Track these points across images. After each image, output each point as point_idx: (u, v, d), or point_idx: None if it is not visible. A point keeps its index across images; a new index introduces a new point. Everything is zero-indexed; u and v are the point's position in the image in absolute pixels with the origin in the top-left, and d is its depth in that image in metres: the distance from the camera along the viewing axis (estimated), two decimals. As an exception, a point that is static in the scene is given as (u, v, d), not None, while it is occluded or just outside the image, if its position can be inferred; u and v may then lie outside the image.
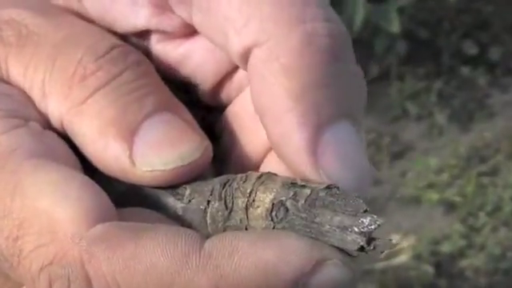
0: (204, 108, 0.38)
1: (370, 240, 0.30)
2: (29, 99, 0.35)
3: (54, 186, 0.32)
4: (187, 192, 0.34)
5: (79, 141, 0.34)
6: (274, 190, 0.32)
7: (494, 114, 2.19)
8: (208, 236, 0.32)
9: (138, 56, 0.35)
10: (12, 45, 0.35)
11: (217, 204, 0.33)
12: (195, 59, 0.36)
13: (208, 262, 0.31)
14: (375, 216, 0.30)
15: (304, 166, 0.31)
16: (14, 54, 0.35)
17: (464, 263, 1.85)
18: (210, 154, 0.34)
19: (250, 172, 0.33)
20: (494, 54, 2.30)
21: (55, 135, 0.35)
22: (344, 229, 0.30)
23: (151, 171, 0.33)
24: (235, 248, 0.31)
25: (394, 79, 2.22)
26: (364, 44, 2.16)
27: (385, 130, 2.13)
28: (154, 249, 0.31)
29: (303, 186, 0.31)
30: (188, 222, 0.34)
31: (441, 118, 2.16)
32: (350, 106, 0.32)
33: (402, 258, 1.83)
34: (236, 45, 0.32)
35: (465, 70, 2.26)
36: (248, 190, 0.32)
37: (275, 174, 0.33)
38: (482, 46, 2.30)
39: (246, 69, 0.33)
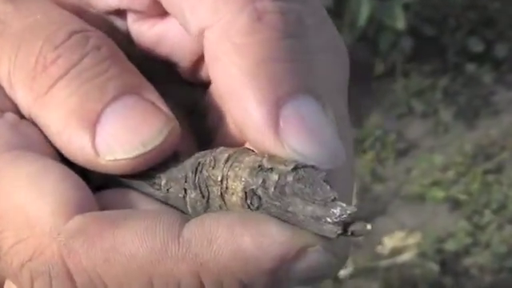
0: (188, 85, 0.37)
1: (346, 226, 0.30)
2: (2, 88, 0.35)
3: (31, 179, 0.32)
4: (163, 182, 0.33)
5: (45, 131, 0.34)
6: (243, 178, 0.31)
7: (499, 111, 2.19)
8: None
9: (98, 40, 0.34)
10: None
11: (193, 194, 0.33)
12: (171, 38, 0.36)
13: (187, 250, 0.30)
14: (344, 205, 0.30)
15: (268, 143, 0.31)
16: None
17: (469, 261, 1.85)
18: (177, 135, 0.33)
19: (217, 151, 0.33)
20: (500, 51, 2.29)
21: (31, 125, 0.34)
22: (318, 219, 0.30)
23: (114, 160, 0.33)
24: (214, 235, 0.30)
25: (399, 76, 2.21)
26: (369, 41, 2.16)
27: (390, 127, 2.13)
28: (132, 239, 0.31)
29: (271, 170, 0.31)
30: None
31: (446, 115, 2.15)
32: (310, 81, 0.32)
33: (407, 256, 1.82)
34: (192, 26, 0.33)
35: (470, 67, 2.26)
36: (219, 178, 0.32)
37: (244, 151, 0.32)
38: (487, 43, 2.30)
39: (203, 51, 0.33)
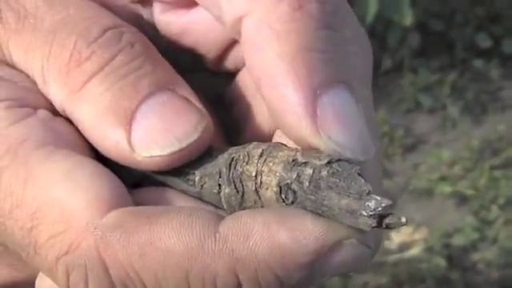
0: (213, 75, 0.38)
1: (381, 219, 0.30)
2: (35, 84, 0.35)
3: (66, 174, 0.32)
4: (197, 178, 0.34)
5: (79, 126, 0.34)
6: (277, 173, 0.32)
7: (507, 106, 2.19)
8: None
9: (131, 36, 0.35)
10: (11, 28, 0.35)
11: (228, 189, 0.33)
12: (198, 28, 0.36)
13: (224, 246, 0.31)
14: (379, 198, 0.30)
15: (304, 129, 0.31)
16: (14, 39, 0.35)
17: (476, 256, 1.85)
18: (211, 131, 0.33)
19: (250, 146, 0.33)
20: (508, 46, 2.29)
21: (65, 121, 0.35)
22: (352, 212, 0.30)
23: (150, 157, 0.33)
24: (250, 231, 0.31)
25: (406, 72, 2.21)
26: (377, 37, 2.15)
27: (398, 122, 2.13)
28: (169, 234, 0.31)
29: (305, 164, 0.31)
30: (205, 203, 0.34)
31: (454, 110, 2.15)
32: (345, 73, 0.32)
33: (414, 251, 1.83)
34: (228, 15, 0.33)
35: (478, 63, 2.25)
36: (253, 174, 0.32)
37: (277, 146, 0.32)
38: (495, 38, 2.29)
39: (240, 39, 0.33)
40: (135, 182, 0.35)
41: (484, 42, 2.28)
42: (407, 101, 2.18)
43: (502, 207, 1.94)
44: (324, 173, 0.31)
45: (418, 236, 1.84)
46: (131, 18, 0.37)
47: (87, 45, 0.34)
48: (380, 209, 0.30)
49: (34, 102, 0.34)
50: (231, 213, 0.33)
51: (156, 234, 0.31)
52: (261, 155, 0.32)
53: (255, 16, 0.32)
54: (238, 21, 0.32)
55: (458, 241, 1.87)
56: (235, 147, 0.34)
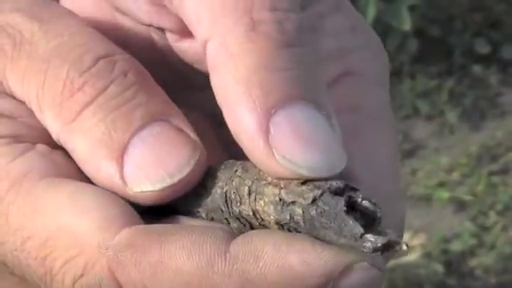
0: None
1: (384, 248, 0.30)
2: (33, 116, 0.35)
3: (72, 199, 0.32)
4: (203, 214, 0.34)
5: (74, 158, 0.34)
6: (271, 216, 0.31)
7: (505, 112, 2.19)
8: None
9: (125, 65, 0.34)
10: (7, 56, 0.35)
11: (235, 224, 0.33)
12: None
13: (234, 266, 0.30)
14: (373, 239, 0.29)
15: (258, 151, 0.31)
16: (10, 66, 0.35)
17: (474, 262, 1.85)
18: (204, 163, 0.33)
19: (236, 181, 0.33)
20: (507, 52, 2.29)
21: (63, 153, 0.34)
22: (354, 248, 0.30)
23: (142, 192, 0.33)
24: (260, 252, 0.30)
25: (405, 77, 2.21)
26: (375, 42, 2.15)
27: (396, 128, 2.13)
28: (179, 253, 0.31)
29: (293, 203, 0.31)
30: None
31: (452, 116, 2.15)
32: (310, 90, 0.31)
33: (412, 257, 1.83)
34: (198, 39, 0.33)
35: (476, 69, 2.25)
36: (251, 213, 0.32)
37: (258, 177, 0.32)
38: (494, 44, 2.29)
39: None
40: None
41: (483, 47, 2.28)
42: (405, 107, 2.18)
43: (500, 213, 1.94)
44: (313, 213, 0.30)
45: (416, 242, 1.84)
46: (141, 40, 0.37)
47: (79, 74, 0.34)
48: (378, 246, 0.29)
49: (32, 136, 0.35)
50: None
51: (167, 253, 0.31)
52: (249, 194, 0.32)
53: (215, 40, 0.32)
54: (204, 45, 0.33)
55: (455, 246, 1.88)
56: (221, 173, 0.33)
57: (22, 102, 0.35)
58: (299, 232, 0.31)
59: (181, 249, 0.31)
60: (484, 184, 1.99)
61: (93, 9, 0.38)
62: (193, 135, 0.33)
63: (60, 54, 0.34)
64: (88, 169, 0.34)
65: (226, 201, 0.33)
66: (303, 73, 0.32)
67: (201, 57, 0.35)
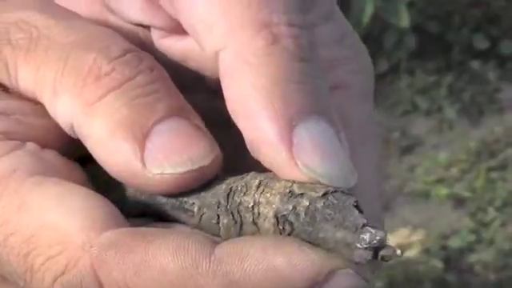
0: (215, 96, 0.37)
1: (376, 251, 0.30)
2: (30, 113, 0.35)
3: (59, 198, 0.32)
4: (196, 208, 0.34)
5: (89, 141, 0.34)
6: (274, 204, 0.32)
7: (504, 108, 2.19)
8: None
9: (151, 61, 0.35)
10: (22, 48, 0.35)
11: (226, 219, 0.33)
12: (199, 52, 0.36)
13: (218, 267, 0.31)
14: (373, 231, 0.30)
15: (281, 160, 0.32)
16: (24, 56, 0.35)
17: (473, 258, 1.85)
18: (220, 162, 0.34)
19: (248, 177, 0.33)
20: (505, 48, 2.29)
21: (55, 153, 0.35)
22: (348, 245, 0.30)
23: (161, 174, 0.33)
24: (246, 254, 0.31)
25: (403, 74, 2.21)
26: (373, 39, 2.16)
27: (394, 124, 2.13)
28: (163, 254, 0.31)
29: (301, 196, 0.31)
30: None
31: (451, 112, 2.15)
32: (322, 104, 0.32)
33: (411, 253, 1.83)
34: (207, 47, 0.33)
35: (475, 65, 2.25)
36: (251, 205, 0.32)
37: (274, 176, 0.33)
38: (492, 40, 2.29)
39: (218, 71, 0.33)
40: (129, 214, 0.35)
41: (481, 43, 2.28)
42: (404, 103, 2.18)
43: (498, 209, 1.94)
44: (319, 204, 0.31)
45: (414, 238, 1.85)
46: (134, 41, 0.37)
47: (108, 61, 0.34)
48: (375, 241, 0.30)
49: (23, 134, 0.35)
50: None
51: (151, 253, 0.31)
52: (258, 186, 0.32)
53: (231, 50, 0.32)
54: (216, 54, 0.33)
55: (454, 243, 1.88)
56: (234, 177, 0.34)
57: (21, 99, 0.35)
58: (292, 228, 0.31)
59: (166, 249, 0.31)
60: (483, 180, 1.99)
61: (84, 7, 0.38)
62: (210, 136, 0.34)
63: (85, 44, 0.34)
64: (103, 150, 0.34)
65: (229, 193, 0.33)
66: (315, 87, 0.33)
67: (186, 53, 0.36)
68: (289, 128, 0.31)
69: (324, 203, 0.31)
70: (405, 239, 1.83)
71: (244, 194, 0.33)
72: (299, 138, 0.31)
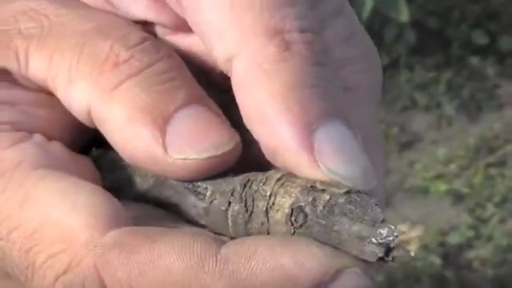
0: (220, 92, 0.37)
1: (388, 250, 0.30)
2: (37, 104, 0.35)
3: (63, 194, 0.32)
4: (208, 192, 0.34)
5: (107, 127, 0.34)
6: (293, 194, 0.32)
7: (503, 104, 2.19)
8: (230, 237, 0.32)
9: (169, 50, 0.35)
10: (34, 36, 0.34)
11: (237, 206, 0.33)
12: (203, 49, 0.36)
13: (225, 266, 0.30)
14: (393, 227, 0.30)
15: (303, 164, 0.31)
16: (37, 44, 0.34)
17: (471, 254, 1.85)
18: (240, 149, 0.34)
19: (270, 172, 0.33)
20: (504, 44, 2.29)
21: (61, 145, 0.35)
22: (362, 239, 0.30)
23: (184, 159, 0.33)
24: (253, 253, 0.30)
25: (402, 69, 2.21)
26: (373, 34, 2.15)
27: (393, 120, 2.13)
28: (169, 254, 0.31)
29: (323, 191, 0.31)
30: (210, 222, 0.33)
31: (449, 108, 2.15)
32: (339, 107, 0.32)
33: (410, 249, 1.83)
34: (218, 53, 0.33)
35: (474, 60, 2.25)
36: (268, 193, 0.32)
37: (294, 174, 0.32)
38: (491, 36, 2.29)
39: (231, 78, 0.33)
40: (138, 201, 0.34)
41: (480, 39, 2.28)
42: (403, 98, 2.18)
43: (497, 205, 1.94)
44: (341, 200, 0.31)
45: (413, 234, 1.85)
46: None
47: (126, 49, 0.34)
48: (391, 238, 0.30)
49: (30, 125, 0.34)
50: (234, 232, 0.33)
51: (156, 253, 0.31)
52: (279, 179, 0.32)
53: (244, 57, 0.32)
54: (228, 60, 0.33)
55: (453, 239, 1.88)
56: (254, 172, 0.34)
57: (27, 89, 0.35)
58: (305, 221, 0.31)
59: (171, 249, 0.31)
60: (481, 176, 1.99)
61: (87, 2, 0.37)
62: (229, 123, 0.34)
63: (102, 31, 0.34)
64: (123, 136, 0.33)
65: (247, 182, 0.33)
66: (332, 91, 0.33)
67: (190, 50, 0.36)
68: (308, 132, 0.31)
69: (346, 199, 0.31)
70: (403, 235, 1.83)
71: (263, 183, 0.32)
72: (319, 141, 0.31)
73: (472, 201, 1.95)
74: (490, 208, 1.93)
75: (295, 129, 0.31)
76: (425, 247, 1.85)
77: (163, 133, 0.33)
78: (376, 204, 0.31)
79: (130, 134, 0.33)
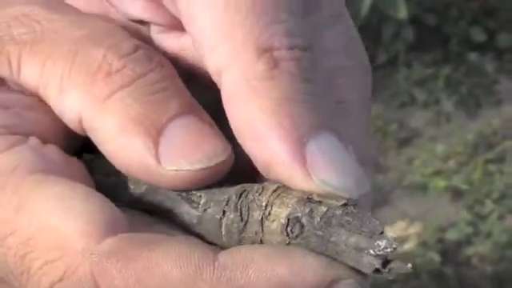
0: (213, 90, 0.37)
1: (386, 263, 0.30)
2: (30, 107, 0.35)
3: (60, 200, 0.32)
4: (202, 201, 0.34)
5: (99, 137, 0.34)
6: (290, 205, 0.32)
7: (501, 100, 2.19)
8: (222, 247, 0.32)
9: (161, 58, 0.35)
10: (27, 42, 0.34)
11: (232, 215, 0.33)
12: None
13: (222, 274, 0.30)
14: (391, 239, 0.30)
15: (296, 177, 0.32)
16: (29, 51, 0.34)
17: (470, 251, 1.85)
18: (232, 159, 0.34)
19: (265, 183, 0.33)
20: (503, 40, 2.29)
21: (56, 148, 0.34)
22: (360, 250, 0.30)
23: (177, 170, 0.33)
24: (249, 261, 0.30)
25: (401, 66, 2.21)
26: (371, 31, 2.15)
27: (392, 116, 2.13)
28: (166, 261, 0.31)
29: (319, 203, 0.31)
30: (203, 231, 0.33)
31: (448, 104, 2.15)
32: (329, 120, 0.33)
33: (408, 246, 1.83)
34: (209, 63, 0.33)
35: (473, 57, 2.25)
36: (264, 204, 0.32)
37: (290, 188, 0.33)
38: (490, 32, 2.29)
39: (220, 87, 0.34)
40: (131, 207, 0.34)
41: (479, 35, 2.28)
42: (401, 95, 2.18)
43: (496, 201, 1.94)
44: (338, 212, 0.31)
45: (411, 230, 1.85)
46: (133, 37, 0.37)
47: (119, 58, 0.34)
48: (389, 250, 0.30)
49: (24, 128, 0.34)
50: (227, 241, 0.33)
51: (154, 260, 0.31)
52: (275, 190, 0.33)
53: (234, 72, 0.33)
54: (218, 73, 0.33)
55: (451, 235, 1.88)
56: (248, 183, 0.34)
57: (20, 93, 0.35)
58: (301, 232, 0.31)
59: (168, 257, 0.31)
60: (480, 172, 1.99)
61: (83, 1, 0.37)
62: (221, 134, 0.34)
63: (94, 39, 0.34)
64: (115, 146, 0.33)
65: (243, 192, 0.33)
66: (322, 104, 0.33)
67: (183, 49, 0.36)
68: (300, 146, 0.32)
69: (343, 211, 0.31)
70: (402, 232, 1.83)
71: (259, 194, 0.33)
72: (311, 154, 0.32)
73: (471, 197, 1.95)
74: (489, 204, 1.93)
75: (287, 143, 0.32)
76: (423, 244, 1.85)
77: (156, 143, 0.33)
78: (374, 217, 0.31)
79: (123, 145, 0.33)
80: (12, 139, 0.33)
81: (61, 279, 0.31)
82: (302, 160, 0.32)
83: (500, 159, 2.05)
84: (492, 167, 2.02)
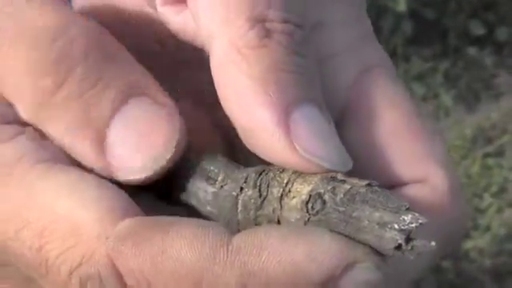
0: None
1: (409, 239, 0.29)
2: None
3: (70, 187, 0.32)
4: (220, 177, 0.33)
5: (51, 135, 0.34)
6: (313, 182, 0.31)
7: (500, 94, 2.19)
8: (237, 223, 0.32)
9: (83, 42, 0.33)
10: None
11: (250, 191, 0.32)
12: (194, 27, 0.36)
13: (236, 257, 0.30)
14: (417, 214, 0.29)
15: (278, 146, 0.32)
16: None
17: (469, 244, 1.85)
18: (184, 136, 0.33)
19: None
20: (501, 34, 2.29)
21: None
22: (383, 225, 0.29)
23: (128, 180, 0.33)
24: (264, 245, 0.30)
25: (400, 60, 2.21)
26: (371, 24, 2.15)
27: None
28: (181, 244, 0.31)
29: (343, 181, 0.31)
30: (218, 207, 0.33)
31: (447, 98, 2.15)
32: (315, 93, 0.33)
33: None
34: (202, 30, 0.33)
35: (471, 51, 2.25)
36: (285, 180, 0.32)
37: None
38: (489, 26, 2.29)
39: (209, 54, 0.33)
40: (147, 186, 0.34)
41: (477, 29, 2.28)
42: (400, 89, 2.17)
43: (494, 195, 1.94)
44: (363, 190, 0.30)
45: (410, 224, 1.85)
46: (141, 15, 0.37)
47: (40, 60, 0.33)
48: (415, 225, 0.29)
49: (19, 119, 0.34)
50: (243, 218, 0.32)
51: (168, 243, 0.31)
52: (295, 171, 0.32)
53: (224, 40, 0.33)
54: (210, 39, 0.33)
55: (450, 229, 1.88)
56: (268, 166, 0.33)
57: None
58: (322, 208, 0.31)
59: (183, 239, 0.31)
60: (479, 166, 1.99)
61: None
62: (170, 102, 0.33)
63: (19, 36, 0.33)
64: (70, 152, 0.33)
65: (264, 171, 0.33)
66: (309, 78, 0.33)
67: (186, 24, 0.36)
68: (285, 114, 0.32)
69: (367, 189, 0.30)
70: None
71: (281, 172, 0.32)
72: (296, 123, 0.32)
73: (469, 191, 1.95)
74: (488, 198, 1.93)
75: (272, 110, 0.32)
76: (422, 237, 1.85)
77: (102, 151, 0.33)
78: (398, 195, 0.30)
79: (76, 153, 0.33)
80: (12, 128, 0.33)
81: (79, 264, 0.31)
82: (286, 128, 0.32)
83: (499, 153, 2.05)
84: (491, 161, 2.02)
